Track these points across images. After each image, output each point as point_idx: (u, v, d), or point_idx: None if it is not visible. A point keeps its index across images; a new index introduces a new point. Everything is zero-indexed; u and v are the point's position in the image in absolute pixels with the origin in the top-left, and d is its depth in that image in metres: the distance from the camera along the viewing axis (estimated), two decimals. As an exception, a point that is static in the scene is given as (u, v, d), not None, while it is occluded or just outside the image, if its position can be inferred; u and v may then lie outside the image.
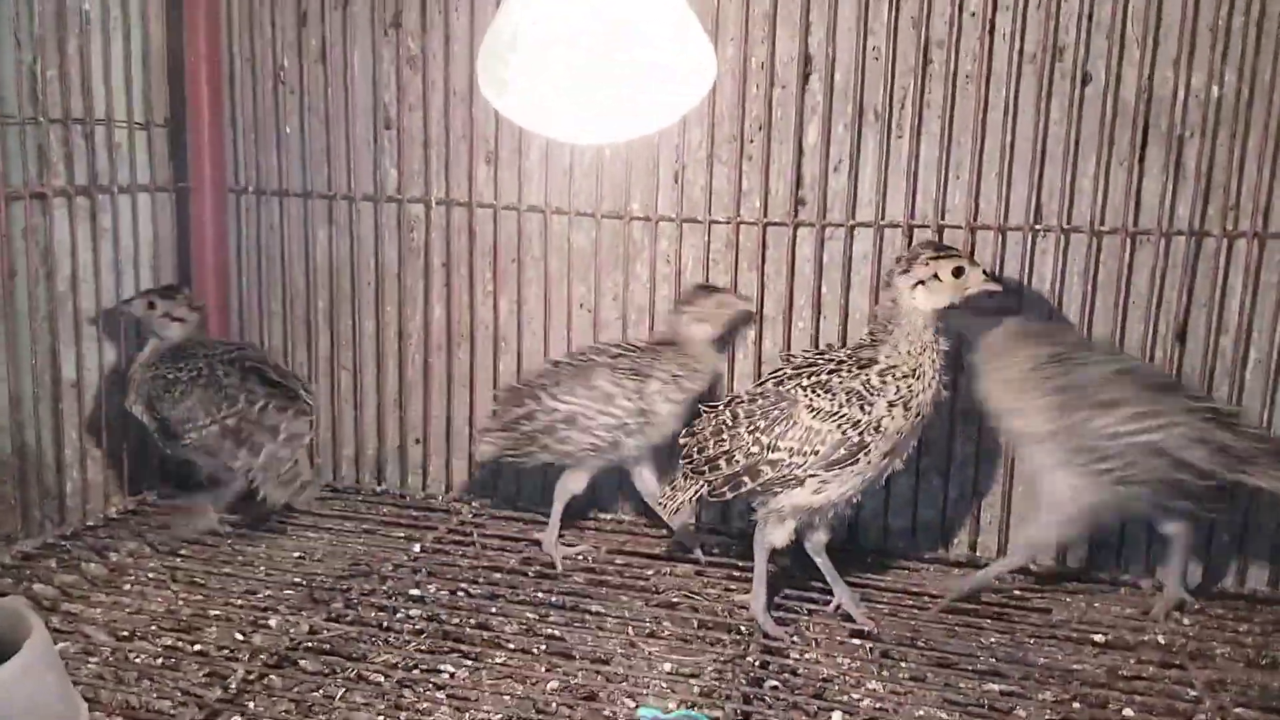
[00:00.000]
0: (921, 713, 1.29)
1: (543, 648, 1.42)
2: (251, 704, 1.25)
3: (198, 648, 1.38)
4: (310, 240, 2.01)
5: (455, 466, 2.01)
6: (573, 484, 1.75)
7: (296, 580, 1.60)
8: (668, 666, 1.38)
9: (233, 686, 1.28)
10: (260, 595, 1.54)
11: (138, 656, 1.35)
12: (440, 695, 1.29)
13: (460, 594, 1.57)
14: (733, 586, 1.62)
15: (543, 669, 1.36)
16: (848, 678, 1.37)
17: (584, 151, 1.85)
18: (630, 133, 1.41)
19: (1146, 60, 1.63)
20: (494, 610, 1.52)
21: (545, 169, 1.87)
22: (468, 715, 1.25)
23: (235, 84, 1.98)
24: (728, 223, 1.80)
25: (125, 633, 1.42)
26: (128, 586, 1.56)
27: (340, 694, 1.28)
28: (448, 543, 1.77)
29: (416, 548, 1.73)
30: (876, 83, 1.72)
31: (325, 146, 1.96)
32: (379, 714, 1.24)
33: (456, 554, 1.72)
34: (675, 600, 1.58)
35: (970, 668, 1.40)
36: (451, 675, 1.34)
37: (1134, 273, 1.69)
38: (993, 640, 1.47)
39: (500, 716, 1.25)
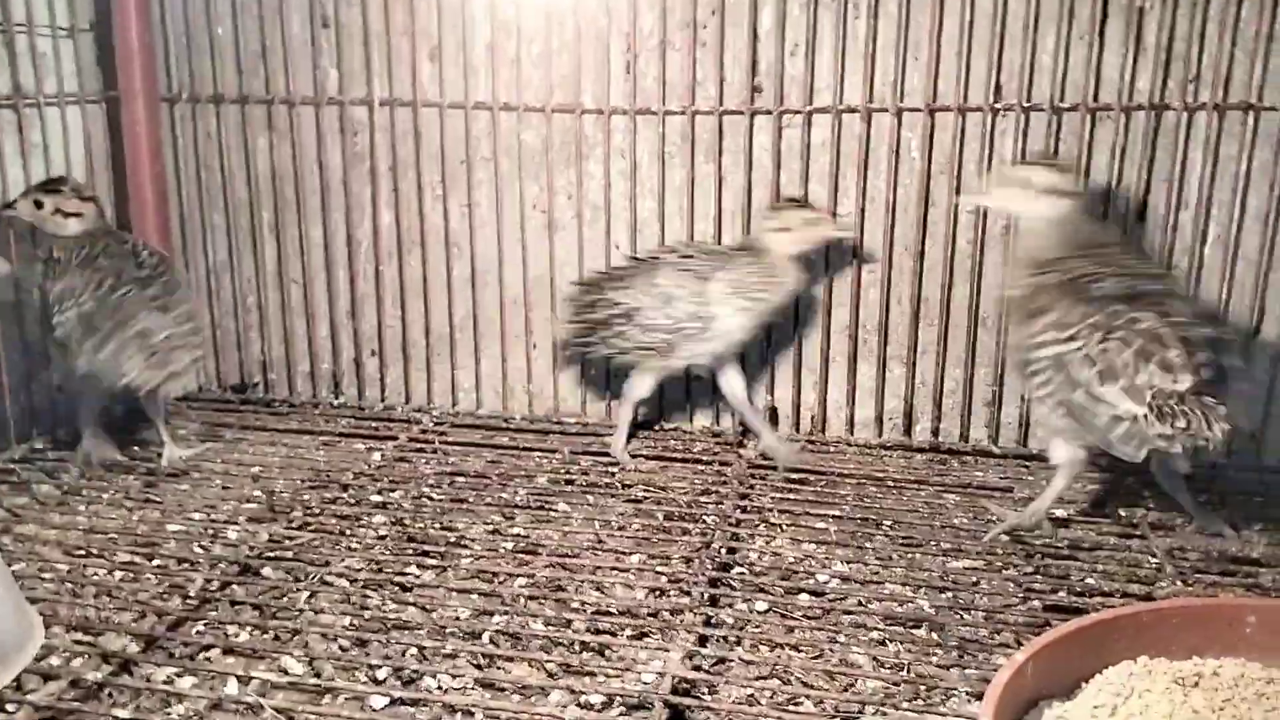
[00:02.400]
0: (887, 590, 1.29)
1: (509, 546, 1.41)
2: (214, 613, 1.23)
3: (156, 562, 1.36)
4: (250, 148, 1.93)
5: (413, 377, 1.97)
6: (638, 388, 1.71)
7: (254, 493, 1.57)
8: (635, 559, 1.38)
9: (193, 595, 1.26)
10: (218, 509, 1.52)
11: (94, 573, 1.32)
12: (407, 597, 1.28)
13: (424, 500, 1.55)
14: (696, 480, 1.62)
15: (509, 567, 1.35)
16: (814, 560, 1.37)
17: (531, 43, 1.78)
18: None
19: (1106, -70, 1.59)
20: (459, 514, 1.50)
21: (492, 63, 1.81)
22: (435, 614, 1.24)
23: (161, -16, 1.88)
24: (683, 113, 1.75)
25: (81, 551, 1.38)
26: (80, 504, 1.52)
27: (304, 598, 1.27)
28: (409, 451, 1.74)
29: (377, 457, 1.71)
30: (833, -39, 1.67)
31: (260, 48, 1.88)
32: (345, 616, 1.23)
33: (418, 461, 1.70)
34: (640, 496, 1.57)
35: (935, 547, 1.41)
36: (418, 577, 1.32)
37: (1094, 150, 1.67)
38: (956, 520, 1.48)
39: (468, 613, 1.24)
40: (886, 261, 1.74)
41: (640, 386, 1.71)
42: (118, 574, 1.32)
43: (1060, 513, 1.50)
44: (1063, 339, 1.32)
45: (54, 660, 1.12)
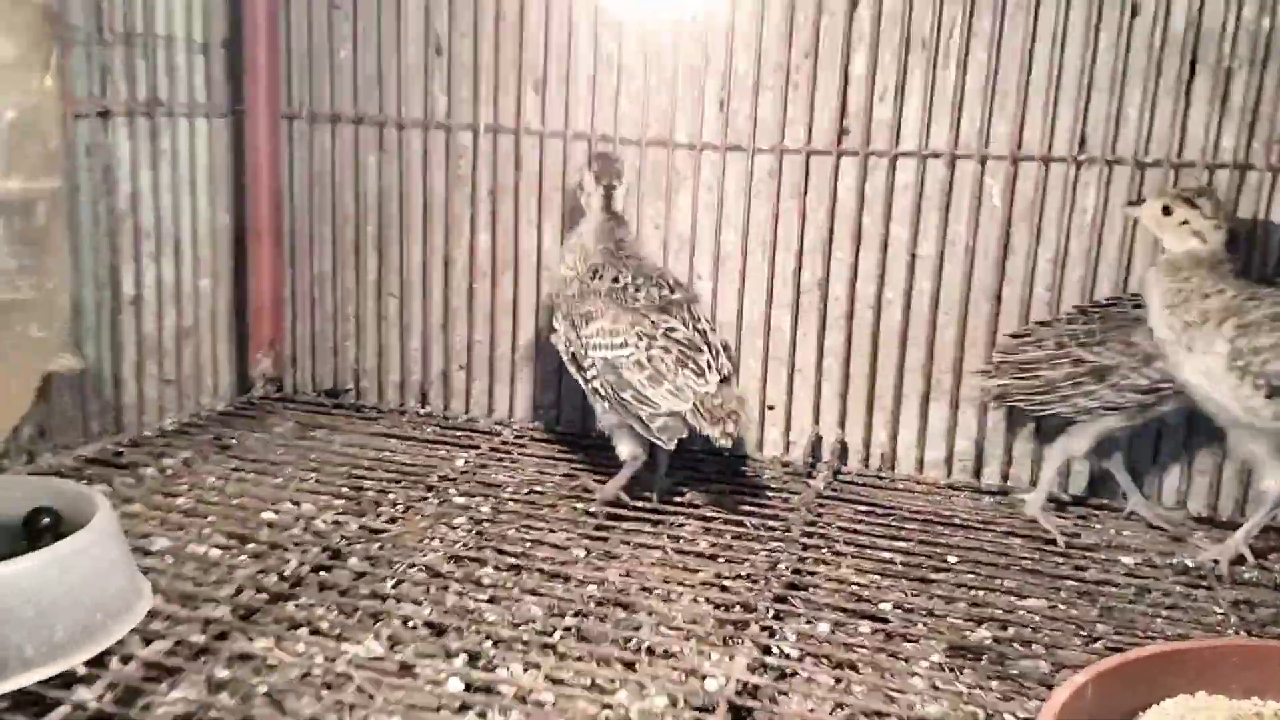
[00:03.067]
0: (949, 622, 1.32)
1: (580, 554, 1.47)
2: (305, 595, 1.31)
3: (251, 546, 1.44)
4: (360, 166, 2.05)
5: (497, 392, 2.05)
6: (1075, 445, 1.65)
7: (344, 488, 1.66)
8: (702, 575, 1.42)
9: (287, 575, 1.34)
10: (310, 500, 1.60)
11: (195, 551, 1.41)
12: (482, 595, 1.34)
13: (503, 504, 1.62)
14: (765, 506, 1.66)
15: (582, 573, 1.40)
16: (878, 589, 1.40)
17: (632, 78, 1.87)
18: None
19: (1198, -9, 1.62)
20: (535, 520, 1.56)
21: (592, 96, 1.90)
22: (510, 611, 1.29)
23: (290, 7, 2.01)
24: (771, 151, 1.82)
25: (182, 530, 1.48)
26: (183, 490, 1.62)
27: (389, 586, 1.34)
28: (490, 460, 1.82)
29: (460, 463, 1.79)
30: (925, 11, 1.72)
31: (377, 72, 2.00)
32: (425, 606, 1.29)
33: (499, 470, 1.77)
34: (710, 516, 1.62)
35: (999, 585, 1.42)
36: (494, 576, 1.39)
37: (1178, 207, 1.68)
38: (1023, 561, 1.50)
39: (541, 612, 1.30)
40: (963, 304, 1.77)
41: (1077, 444, 1.65)
42: (215, 552, 1.41)
43: (1128, 560, 1.50)
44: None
45: (156, 624, 1.20)
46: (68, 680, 1.06)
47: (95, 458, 1.73)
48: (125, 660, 1.12)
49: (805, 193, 1.82)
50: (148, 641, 1.17)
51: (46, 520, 1.20)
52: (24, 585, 1.01)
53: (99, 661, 1.09)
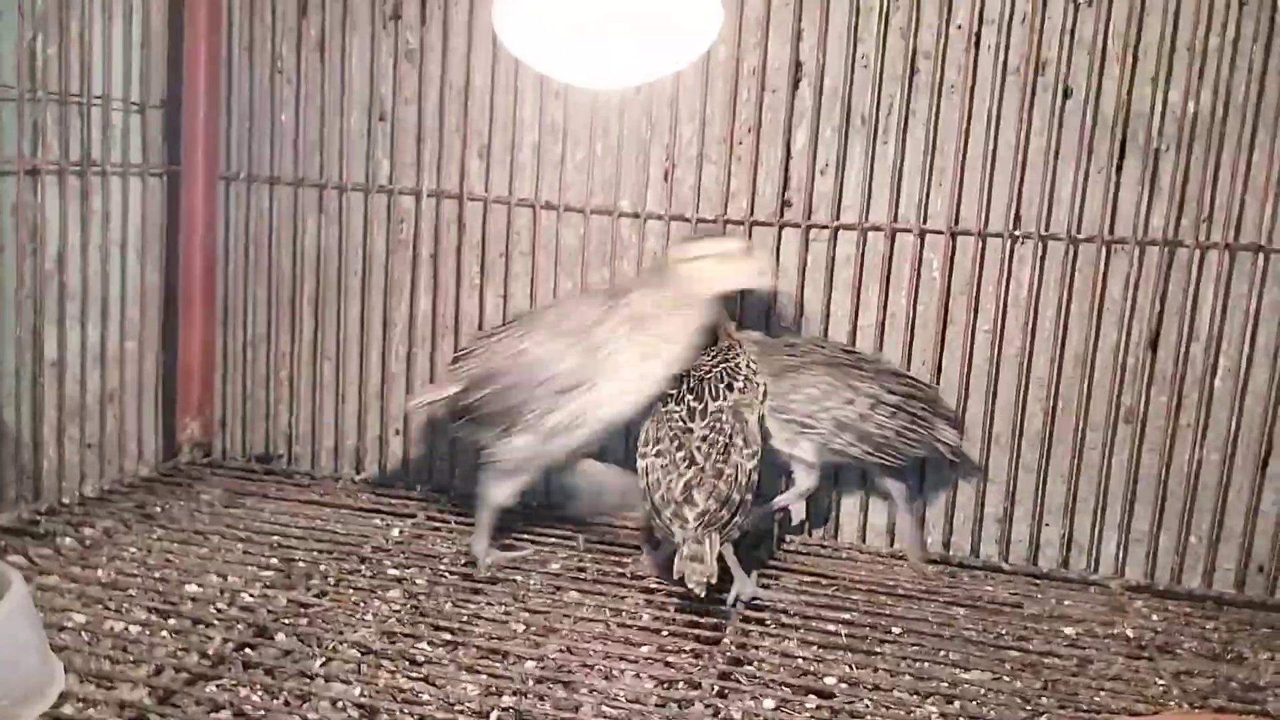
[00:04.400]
0: (895, 696, 1.30)
1: (520, 629, 1.43)
2: (228, 675, 1.24)
3: (172, 621, 1.38)
4: (299, 228, 2.01)
5: (436, 458, 2.01)
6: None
7: (273, 560, 1.59)
8: (644, 649, 1.39)
9: (210, 653, 1.27)
10: (237, 573, 1.54)
11: (113, 627, 1.34)
12: (418, 671, 1.29)
13: (439, 577, 1.57)
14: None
15: (521, 649, 1.36)
16: (823, 663, 1.38)
17: (577, 145, 1.88)
18: (634, 78, 1.48)
19: (1126, 76, 1.68)
20: (471, 594, 1.52)
21: (537, 164, 1.90)
22: (445, 690, 1.25)
23: (233, 70, 1.99)
24: (714, 221, 1.83)
25: (99, 605, 1.40)
26: (103, 561, 1.55)
27: (317, 665, 1.28)
28: (426, 529, 1.77)
29: (395, 532, 1.74)
30: (865, 90, 1.77)
31: (319, 136, 1.98)
32: (356, 685, 1.24)
33: (435, 540, 1.72)
34: (653, 587, 1.59)
35: (944, 658, 1.41)
36: (429, 653, 1.34)
37: (1109, 280, 1.73)
38: (965, 632, 1.49)
39: (478, 691, 1.25)
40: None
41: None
42: (135, 629, 1.35)
43: (1070, 630, 1.51)
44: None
45: (67, 709, 1.13)
46: (-34, 772, 0.99)
47: (10, 526, 1.64)
48: (31, 748, 1.06)
49: (748, 262, 1.83)
50: (56, 727, 1.10)
51: (-49, 597, 1.13)
52: (-78, 669, 0.95)
53: (2, 750, 1.02)
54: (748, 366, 1.58)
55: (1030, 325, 1.75)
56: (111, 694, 1.17)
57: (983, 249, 1.75)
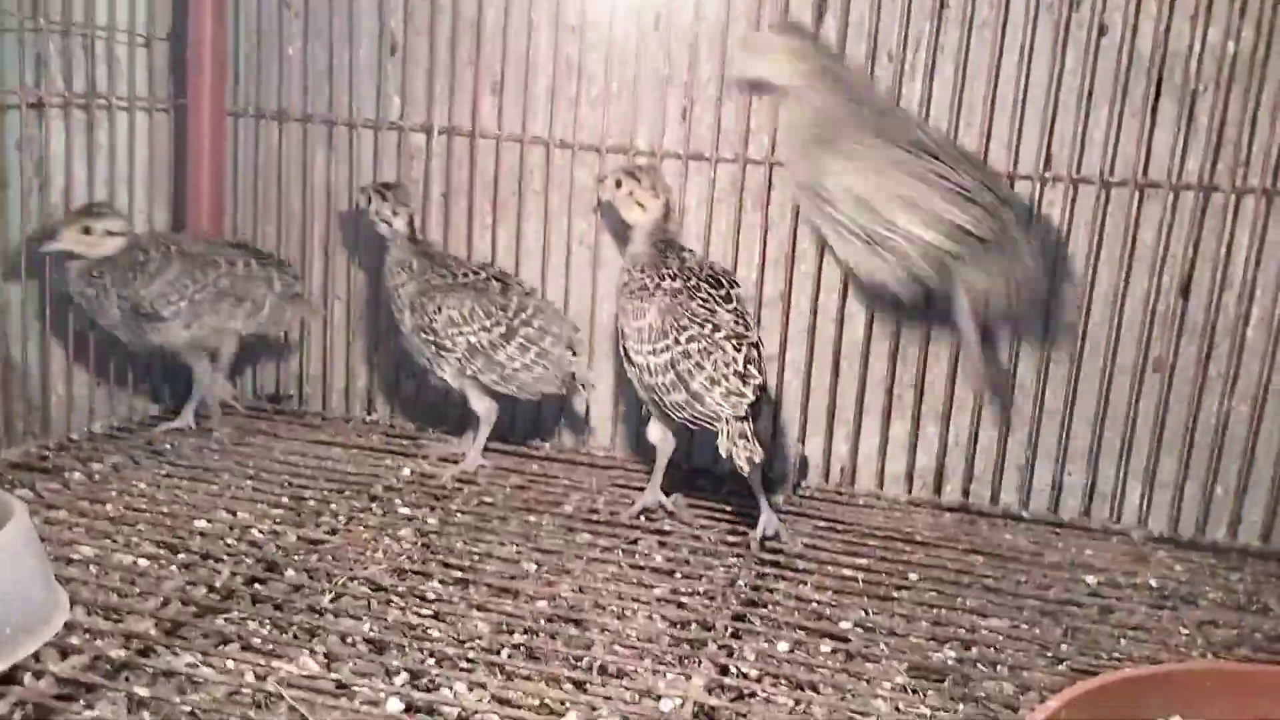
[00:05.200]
0: (912, 642, 1.28)
1: (531, 569, 1.41)
2: (236, 609, 1.23)
3: (181, 556, 1.36)
4: (308, 165, 1.98)
5: (447, 401, 1.98)
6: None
7: (283, 497, 1.58)
8: (658, 591, 1.36)
9: (219, 587, 1.26)
10: (246, 509, 1.52)
11: (120, 560, 1.33)
12: (426, 610, 1.28)
13: (451, 517, 1.55)
14: (723, 520, 1.61)
15: (531, 588, 1.34)
16: (838, 608, 1.35)
17: (592, 83, 1.83)
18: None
19: (1164, 12, 1.62)
20: (483, 534, 1.50)
21: (551, 101, 1.85)
22: (455, 628, 1.23)
23: (239, 2, 1.94)
24: (734, 161, 1.78)
25: (107, 539, 1.39)
26: (111, 496, 1.53)
27: (326, 600, 1.27)
28: (438, 470, 1.74)
29: (406, 472, 1.72)
30: (891, 24, 1.70)
31: (328, 70, 1.93)
32: (365, 624, 1.22)
33: (447, 480, 1.70)
34: (667, 529, 1.56)
35: (961, 604, 1.39)
36: (440, 591, 1.32)
37: (1141, 226, 1.68)
38: (984, 580, 1.46)
39: (488, 629, 1.23)
40: (926, 319, 1.75)
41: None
42: (143, 562, 1.33)
43: (1091, 580, 1.48)
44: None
45: (74, 639, 1.12)
46: (-28, 699, 0.98)
47: (19, 461, 1.63)
48: (38, 676, 1.04)
49: (768, 204, 1.78)
50: (64, 656, 1.09)
51: (-46, 526, 1.11)
52: (-77, 593, 0.93)
53: (9, 678, 1.01)
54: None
55: (1059, 270, 1.70)
56: (118, 625, 1.16)
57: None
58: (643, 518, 1.60)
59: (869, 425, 1.80)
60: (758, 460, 1.42)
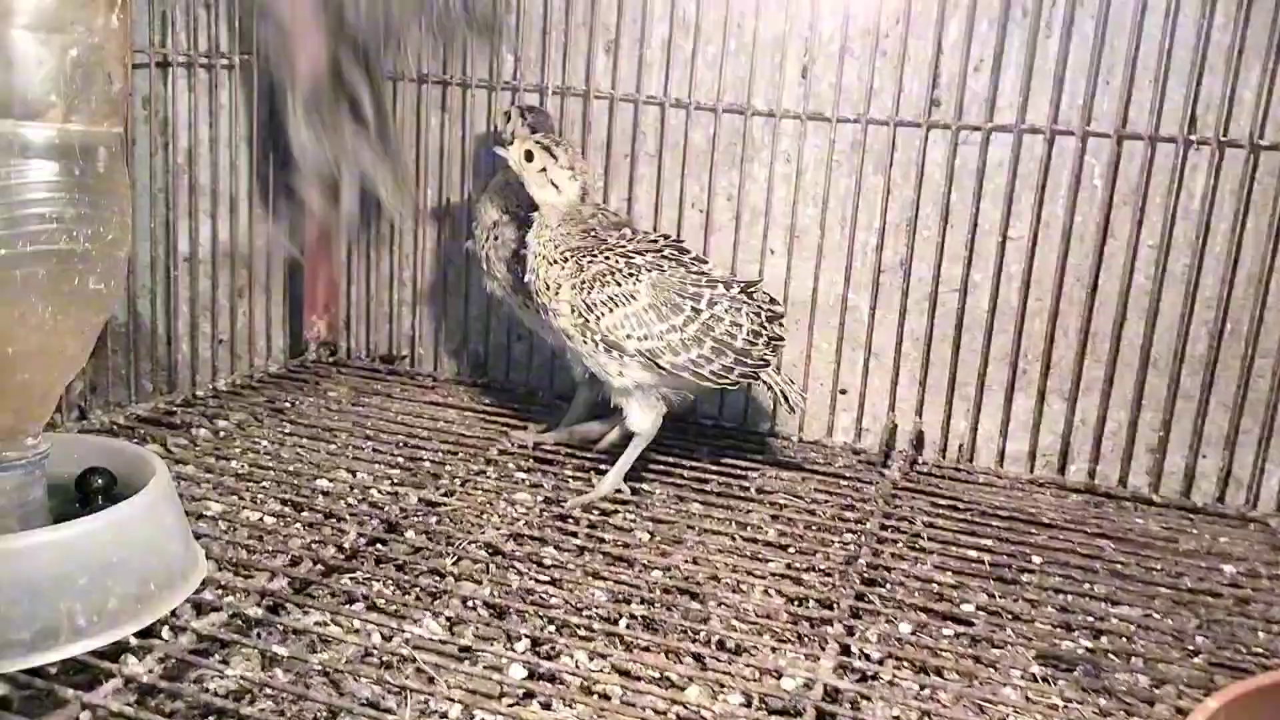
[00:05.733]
0: (1039, 628, 1.23)
1: (646, 538, 1.40)
2: (360, 569, 1.25)
3: (305, 514, 1.40)
4: (423, 126, 1.98)
5: (558, 365, 1.98)
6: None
7: (400, 458, 1.60)
8: (773, 566, 1.35)
9: (347, 547, 1.28)
10: (365, 469, 1.55)
11: (249, 517, 1.37)
12: (544, 576, 1.28)
13: (564, 483, 1.56)
14: (838, 495, 1.58)
15: (648, 557, 1.34)
16: (962, 590, 1.32)
17: (708, 41, 1.78)
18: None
19: (1328, -38, 1.50)
20: (599, 500, 1.50)
21: (666, 59, 1.81)
22: (573, 595, 1.23)
23: (355, -39, 1.94)
24: (856, 121, 1.72)
25: (234, 496, 1.43)
26: (236, 453, 1.57)
27: (448, 564, 1.28)
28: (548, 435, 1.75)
29: (520, 435, 1.72)
30: (1027, -23, 1.62)
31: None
32: (486, 589, 1.23)
33: (561, 446, 1.70)
34: (781, 503, 1.54)
35: (1090, 590, 1.34)
36: (557, 558, 1.32)
37: (1293, 194, 1.57)
38: (1115, 565, 1.41)
39: (605, 598, 1.23)
40: (1056, 291, 1.67)
41: None
42: (270, 520, 1.37)
43: (1228, 569, 1.41)
44: None
45: (208, 594, 1.15)
46: (119, 651, 1.01)
47: (148, 416, 1.69)
48: (177, 631, 1.08)
49: (890, 166, 1.72)
50: (200, 612, 1.12)
51: (99, 482, 1.15)
52: (79, 550, 0.97)
53: (149, 631, 1.04)
54: None
55: (1201, 241, 1.60)
56: (250, 582, 1.19)
57: (1152, 155, 1.61)
58: (753, 489, 1.58)
59: (991, 401, 1.74)
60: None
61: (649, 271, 1.48)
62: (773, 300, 1.54)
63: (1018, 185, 1.67)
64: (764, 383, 1.52)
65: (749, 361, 1.49)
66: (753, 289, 1.51)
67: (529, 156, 1.54)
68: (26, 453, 1.04)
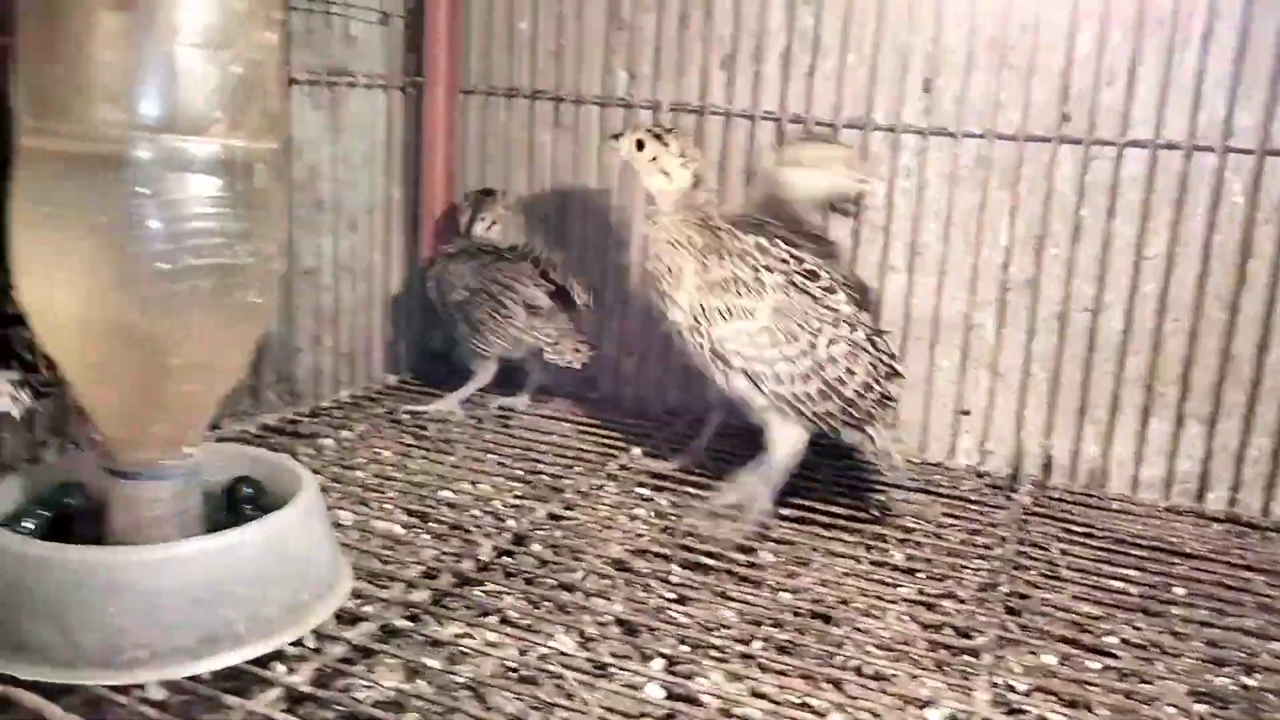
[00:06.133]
0: (1188, 663, 1.18)
1: (771, 559, 1.38)
2: (490, 582, 1.26)
3: (432, 525, 1.41)
4: (535, 143, 2.00)
5: (667, 380, 1.98)
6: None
7: (520, 471, 1.61)
8: (904, 590, 1.32)
9: (483, 559, 1.29)
10: (488, 482, 1.56)
11: (379, 527, 1.38)
12: (670, 594, 1.27)
13: (682, 499, 1.55)
14: (967, 520, 1.54)
15: (775, 578, 1.32)
16: (1105, 621, 1.27)
17: (826, 55, 1.76)
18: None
19: None
20: (721, 519, 1.48)
21: (784, 74, 1.80)
22: (702, 615, 1.22)
23: (472, -23, 1.98)
24: (982, 136, 1.69)
25: (364, 505, 1.45)
26: (362, 463, 1.60)
27: (578, 578, 1.28)
28: (666, 451, 1.74)
29: (637, 451, 1.72)
30: (1166, -12, 1.57)
31: (556, 47, 1.94)
32: (616, 605, 1.23)
33: (676, 461, 1.69)
34: (910, 526, 1.51)
35: (1240, 624, 1.28)
36: (681, 578, 1.31)
37: None
38: (1266, 599, 1.34)
39: (735, 618, 1.22)
40: (1194, 312, 1.62)
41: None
42: (399, 530, 1.38)
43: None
44: None
45: (350, 604, 1.16)
46: (270, 659, 1.03)
47: (275, 426, 1.72)
48: (327, 640, 1.09)
49: (1017, 182, 1.68)
50: (344, 621, 1.13)
51: (248, 491, 1.17)
52: (240, 558, 0.99)
53: (299, 641, 1.06)
54: None
55: (1341, 258, 1.54)
56: (390, 592, 1.20)
57: (1299, 171, 1.54)
58: (877, 511, 1.55)
59: (1124, 425, 1.68)
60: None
61: (774, 293, 1.45)
62: (893, 355, 1.47)
63: (1153, 202, 1.62)
64: (869, 436, 1.47)
65: (854, 414, 1.44)
66: (878, 337, 1.46)
67: (639, 145, 1.51)
68: (184, 462, 1.07)
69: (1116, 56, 1.61)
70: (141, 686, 0.97)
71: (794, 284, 1.44)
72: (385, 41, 1.99)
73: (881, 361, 1.45)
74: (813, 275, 1.46)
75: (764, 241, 1.47)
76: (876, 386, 1.44)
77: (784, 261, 1.46)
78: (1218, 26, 1.56)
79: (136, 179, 0.95)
